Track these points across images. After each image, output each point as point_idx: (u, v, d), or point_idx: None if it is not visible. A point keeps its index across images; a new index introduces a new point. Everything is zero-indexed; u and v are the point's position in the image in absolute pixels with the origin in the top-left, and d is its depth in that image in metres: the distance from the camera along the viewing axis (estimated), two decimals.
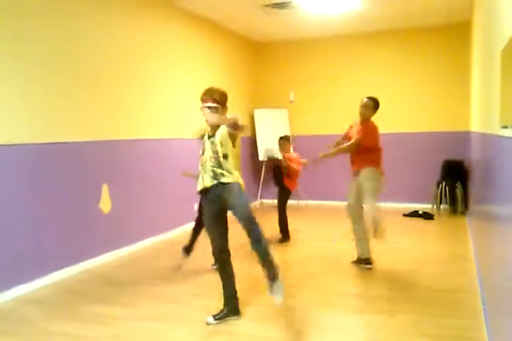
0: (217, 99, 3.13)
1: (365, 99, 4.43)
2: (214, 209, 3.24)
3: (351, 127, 4.61)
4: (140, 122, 5.32)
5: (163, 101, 5.75)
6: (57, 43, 4.16)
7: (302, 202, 7.95)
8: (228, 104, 3.21)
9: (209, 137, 3.22)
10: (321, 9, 6.25)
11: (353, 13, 6.52)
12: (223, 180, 3.16)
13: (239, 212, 3.13)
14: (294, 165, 5.50)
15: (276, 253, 5.02)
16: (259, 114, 8.09)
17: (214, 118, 3.11)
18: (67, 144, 4.28)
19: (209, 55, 6.84)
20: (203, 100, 3.16)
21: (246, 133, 8.05)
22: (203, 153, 3.24)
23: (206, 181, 3.19)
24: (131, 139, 5.13)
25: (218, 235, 3.26)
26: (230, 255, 3.32)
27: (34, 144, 3.94)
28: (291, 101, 8.28)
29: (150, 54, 5.48)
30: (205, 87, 3.31)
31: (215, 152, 3.16)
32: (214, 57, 6.99)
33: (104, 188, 4.73)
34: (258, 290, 3.81)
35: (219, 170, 3.15)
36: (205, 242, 4.41)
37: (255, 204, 8.12)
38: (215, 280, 4.09)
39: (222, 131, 3.14)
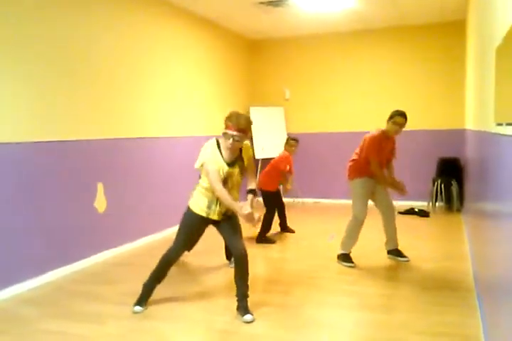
0: (243, 128, 3.08)
1: (404, 119, 4.31)
2: (205, 227, 3.35)
3: (378, 147, 4.33)
4: (136, 121, 5.31)
5: (160, 100, 5.73)
6: (54, 42, 4.14)
7: (298, 200, 7.96)
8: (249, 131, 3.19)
9: (230, 164, 3.17)
10: (316, 7, 6.25)
11: (348, 11, 6.52)
12: (231, 212, 3.31)
13: (238, 242, 3.25)
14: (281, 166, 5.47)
15: (273, 251, 5.05)
16: (255, 112, 8.09)
17: (239, 145, 3.14)
18: (61, 143, 4.26)
19: (205, 53, 6.83)
20: (228, 126, 3.08)
21: None
22: (226, 181, 3.18)
23: (214, 214, 3.24)
24: (126, 138, 5.12)
25: (191, 244, 3.35)
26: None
27: (29, 143, 3.92)
28: (287, 99, 8.28)
29: (146, 52, 5.46)
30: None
31: (242, 175, 3.29)
32: (210, 55, 6.98)
33: (100, 187, 4.72)
34: (252, 289, 3.81)
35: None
36: (205, 241, 4.41)
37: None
38: (211, 279, 4.10)
39: (250, 152, 3.28)
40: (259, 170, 7.97)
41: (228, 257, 4.51)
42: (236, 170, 3.21)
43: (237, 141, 3.08)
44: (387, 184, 4.40)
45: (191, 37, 6.48)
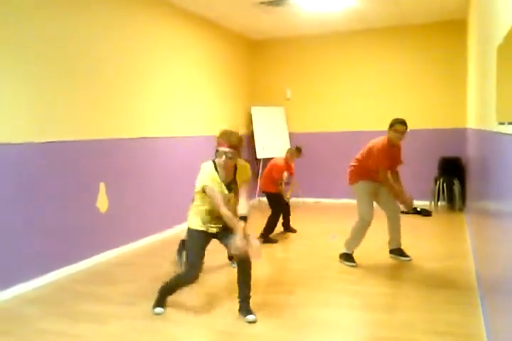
0: (235, 144, 3.11)
1: (404, 127, 4.38)
2: (208, 240, 3.30)
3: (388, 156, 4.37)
4: (137, 121, 5.31)
5: (160, 100, 5.74)
6: (54, 42, 4.14)
7: (299, 200, 7.96)
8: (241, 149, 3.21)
9: (228, 187, 3.19)
10: (317, 7, 6.24)
11: (349, 11, 6.52)
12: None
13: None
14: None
15: (275, 250, 5.05)
16: (256, 112, 8.09)
17: (231, 162, 3.14)
18: (64, 143, 4.27)
19: (205, 53, 6.83)
20: (220, 143, 3.12)
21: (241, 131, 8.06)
22: (228, 201, 3.19)
23: (213, 229, 3.24)
24: (128, 138, 5.13)
25: (201, 262, 3.25)
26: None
27: (31, 143, 3.93)
28: (288, 99, 8.28)
29: (147, 52, 5.47)
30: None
31: (237, 196, 3.25)
32: (210, 55, 6.98)
33: (102, 187, 4.72)
34: (254, 288, 3.81)
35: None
36: None
37: (253, 202, 8.13)
38: (214, 279, 4.10)
39: (248, 174, 3.26)
40: (260, 170, 7.98)
41: (230, 257, 4.51)
42: (232, 195, 3.25)
43: (230, 158, 3.09)
44: (394, 194, 4.40)
45: (192, 37, 6.48)
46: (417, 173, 7.48)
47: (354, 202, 4.54)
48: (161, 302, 3.36)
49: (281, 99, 8.31)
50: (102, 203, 4.74)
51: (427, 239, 5.36)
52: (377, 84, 7.76)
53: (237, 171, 3.25)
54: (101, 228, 4.71)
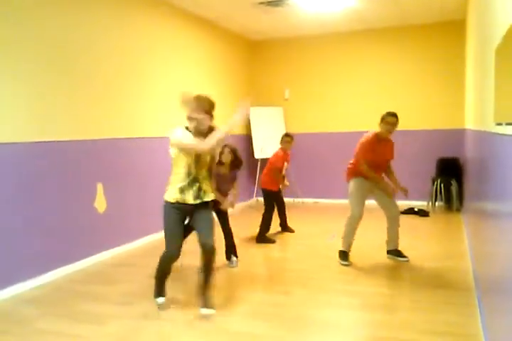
0: (206, 109, 3.13)
1: (395, 119, 4.44)
2: (183, 217, 3.33)
3: (372, 148, 4.38)
4: (135, 121, 5.31)
5: (159, 100, 5.74)
6: (53, 42, 4.14)
7: (298, 200, 7.97)
8: (214, 113, 3.22)
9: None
10: (316, 7, 6.25)
11: (348, 11, 6.53)
12: (207, 198, 3.31)
13: (208, 237, 3.25)
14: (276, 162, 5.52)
15: (273, 250, 5.05)
16: (255, 112, 8.09)
17: (203, 127, 3.17)
18: (61, 143, 4.27)
19: (204, 54, 6.83)
20: (192, 109, 3.14)
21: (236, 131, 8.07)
22: (198, 160, 3.21)
23: (189, 197, 3.23)
24: (126, 138, 5.12)
25: (179, 240, 3.31)
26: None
27: (28, 143, 3.93)
28: (287, 99, 8.29)
29: (146, 53, 5.47)
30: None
31: (212, 155, 3.31)
32: (209, 55, 6.98)
33: (99, 187, 4.72)
34: (253, 288, 3.82)
35: (206, 183, 3.28)
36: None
37: (251, 202, 8.13)
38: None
39: (222, 135, 3.19)
40: (258, 170, 7.98)
41: (228, 257, 4.51)
42: (207, 158, 3.27)
43: (201, 123, 3.13)
44: (380, 184, 4.44)
45: (191, 37, 6.48)
46: (415, 173, 7.50)
47: (347, 201, 4.57)
48: (159, 289, 3.43)
49: (280, 100, 8.32)
50: (100, 203, 4.73)
51: (424, 240, 5.37)
52: (375, 84, 7.77)
53: (211, 131, 3.24)
54: (99, 228, 4.71)
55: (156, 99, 5.68)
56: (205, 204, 3.32)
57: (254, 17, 6.76)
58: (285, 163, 5.60)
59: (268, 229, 5.45)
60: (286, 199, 5.85)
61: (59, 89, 4.24)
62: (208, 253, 3.22)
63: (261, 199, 5.60)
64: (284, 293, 3.72)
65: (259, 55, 8.45)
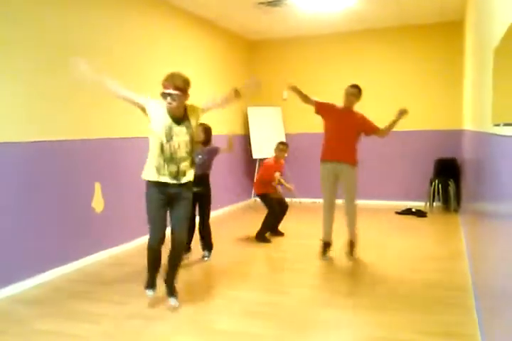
0: (179, 86, 3.09)
1: (352, 89, 4.47)
2: (164, 200, 3.24)
3: (330, 106, 4.58)
4: (133, 120, 5.29)
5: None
6: (51, 42, 4.13)
7: (296, 200, 7.97)
8: (190, 91, 3.20)
9: (177, 122, 3.17)
10: (315, 7, 6.25)
11: (347, 11, 6.53)
12: (185, 179, 3.23)
13: (180, 230, 3.27)
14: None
15: (272, 250, 5.05)
16: (253, 112, 8.09)
17: (176, 104, 3.12)
18: (59, 142, 4.26)
19: (204, 54, 6.83)
20: (165, 86, 3.13)
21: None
22: (169, 139, 3.13)
23: (165, 177, 3.17)
24: (124, 137, 5.11)
25: (161, 224, 3.26)
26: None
27: (26, 142, 3.92)
28: (285, 99, 8.28)
29: (145, 52, 5.46)
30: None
31: (192, 136, 3.23)
32: (209, 55, 6.98)
33: (97, 187, 4.71)
34: (250, 288, 3.82)
35: (185, 164, 3.19)
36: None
37: (249, 202, 8.12)
38: (205, 278, 4.10)
39: (199, 113, 3.28)
40: (256, 169, 7.99)
41: (203, 248, 4.59)
42: (183, 129, 3.18)
43: (174, 99, 3.09)
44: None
45: (190, 37, 6.48)
46: (412, 174, 7.52)
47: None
48: (148, 280, 3.42)
49: (278, 100, 8.31)
50: (98, 203, 4.72)
51: (421, 240, 5.38)
52: (374, 85, 7.76)
53: (188, 110, 3.25)
54: (97, 228, 4.70)
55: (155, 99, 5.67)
56: (185, 189, 3.25)
57: (254, 17, 6.76)
58: (277, 173, 5.46)
59: (268, 229, 5.46)
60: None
61: (56, 89, 4.22)
62: (178, 244, 3.27)
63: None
64: (283, 293, 3.72)
65: (258, 55, 8.45)
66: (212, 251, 4.68)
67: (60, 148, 4.27)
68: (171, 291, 3.36)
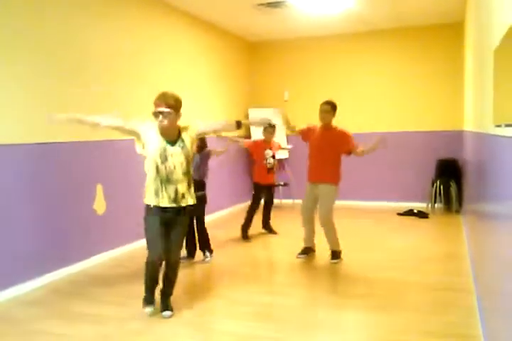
0: (171, 104, 3.08)
1: (324, 106, 4.52)
2: (162, 222, 3.19)
3: (309, 129, 4.66)
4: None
5: None
6: (50, 44, 4.14)
7: (294, 201, 7.95)
8: (181, 111, 3.19)
9: (171, 143, 3.14)
10: (315, 9, 6.26)
11: (347, 13, 6.53)
12: (185, 203, 3.20)
13: (174, 252, 3.29)
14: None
15: (273, 252, 5.05)
16: (254, 114, 8.09)
17: (168, 122, 3.09)
18: (60, 144, 4.26)
19: (203, 55, 6.84)
20: (157, 105, 3.10)
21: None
22: (164, 160, 3.10)
23: (165, 200, 3.13)
24: (125, 139, 5.10)
25: (161, 247, 3.22)
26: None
27: (28, 144, 3.92)
28: (286, 101, 8.29)
29: (146, 54, 5.47)
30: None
31: (187, 157, 3.19)
32: (208, 56, 6.98)
33: (99, 189, 4.72)
34: (255, 291, 3.81)
35: (183, 185, 3.15)
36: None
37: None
38: (205, 279, 4.10)
39: (193, 135, 3.25)
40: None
41: (203, 252, 4.61)
42: (177, 150, 3.14)
43: (166, 117, 3.05)
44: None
45: (191, 39, 6.49)
46: (414, 175, 7.51)
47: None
48: (148, 298, 3.37)
49: (279, 101, 8.31)
50: (99, 205, 4.73)
51: (423, 241, 5.37)
52: (375, 86, 7.78)
53: (181, 131, 3.21)
54: (97, 229, 4.70)
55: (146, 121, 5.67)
56: (182, 214, 3.23)
57: (254, 18, 6.76)
58: (268, 151, 5.52)
59: (248, 224, 5.48)
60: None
61: (57, 90, 4.23)
62: (173, 264, 3.30)
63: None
64: (285, 295, 3.71)
65: (258, 57, 8.45)
66: (213, 253, 4.68)
67: (62, 150, 4.28)
68: (167, 307, 3.31)
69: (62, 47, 4.27)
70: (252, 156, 5.63)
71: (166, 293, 3.34)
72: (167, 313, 3.25)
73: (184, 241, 4.51)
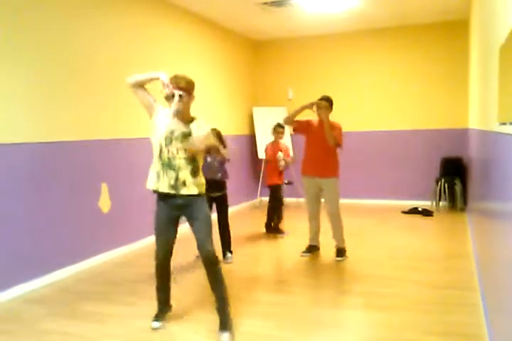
0: (183, 86, 2.96)
1: (323, 102, 4.49)
2: (169, 214, 3.03)
3: (308, 122, 4.64)
4: (139, 121, 5.31)
5: (163, 100, 5.74)
6: (54, 44, 4.15)
7: (301, 200, 7.95)
8: (194, 93, 3.05)
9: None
10: (319, 7, 6.25)
11: (351, 11, 6.52)
12: (186, 191, 2.93)
13: (204, 242, 2.94)
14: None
15: (277, 250, 5.05)
16: (258, 112, 8.09)
17: (184, 105, 2.93)
18: (66, 143, 4.28)
19: (208, 54, 6.84)
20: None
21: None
22: (169, 143, 2.91)
23: (164, 185, 2.93)
24: (130, 138, 5.13)
25: (165, 242, 3.06)
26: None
27: (33, 143, 3.94)
28: (290, 99, 8.28)
29: (149, 53, 5.48)
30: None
31: (190, 144, 2.91)
32: (213, 55, 6.99)
33: (104, 187, 4.73)
34: (255, 288, 3.82)
35: (184, 172, 2.92)
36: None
37: (255, 202, 8.13)
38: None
39: (204, 127, 2.98)
40: (262, 169, 7.99)
41: (224, 253, 4.59)
42: (180, 143, 2.91)
43: (181, 96, 2.91)
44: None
45: (194, 38, 6.49)
46: (418, 173, 7.49)
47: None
48: (157, 310, 3.15)
49: (283, 100, 8.31)
50: (104, 203, 4.74)
51: (428, 239, 5.36)
52: (379, 84, 7.76)
53: (194, 119, 3.02)
54: (103, 228, 4.72)
55: (161, 99, 5.68)
56: (192, 204, 2.98)
57: (258, 17, 6.76)
58: (279, 153, 5.62)
59: (271, 219, 5.71)
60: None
61: (62, 90, 4.25)
62: (207, 261, 2.93)
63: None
64: (285, 292, 3.72)
65: (262, 55, 8.45)
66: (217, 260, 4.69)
67: (67, 148, 4.29)
68: (224, 324, 2.92)
69: (65, 46, 4.28)
70: (269, 161, 5.74)
71: (218, 308, 2.96)
72: (224, 337, 2.86)
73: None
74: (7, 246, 3.71)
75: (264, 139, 7.93)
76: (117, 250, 4.90)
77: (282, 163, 5.62)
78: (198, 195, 2.99)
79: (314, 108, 4.46)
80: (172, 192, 2.94)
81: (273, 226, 5.74)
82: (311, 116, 4.59)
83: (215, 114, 7.00)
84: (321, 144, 4.50)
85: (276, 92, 8.36)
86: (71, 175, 4.34)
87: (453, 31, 7.22)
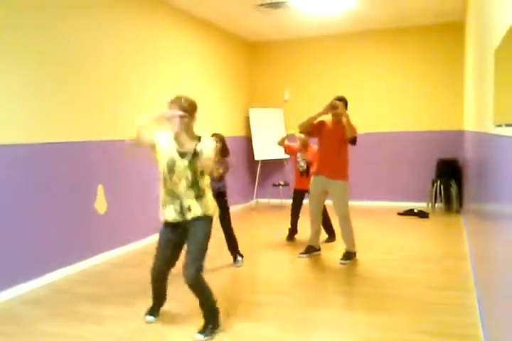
0: (185, 107, 2.96)
1: (338, 101, 4.48)
2: (174, 237, 3.12)
3: (320, 123, 4.59)
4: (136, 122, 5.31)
5: (160, 102, 5.74)
6: (53, 46, 4.15)
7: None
8: (196, 115, 3.04)
9: (181, 154, 2.96)
10: (315, 9, 6.27)
11: (348, 13, 6.55)
12: (191, 215, 2.99)
13: (189, 266, 2.93)
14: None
15: (273, 251, 5.05)
16: (255, 114, 8.10)
17: (181, 126, 2.94)
18: (62, 144, 4.27)
19: (204, 55, 6.85)
20: (171, 108, 3.01)
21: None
22: (171, 171, 2.96)
23: (171, 214, 3.05)
24: (126, 139, 5.12)
25: (162, 259, 3.12)
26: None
27: (29, 144, 3.94)
28: (286, 101, 8.30)
29: (147, 54, 5.48)
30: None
31: (195, 171, 2.95)
32: (209, 57, 6.99)
33: (100, 189, 4.73)
34: (252, 290, 3.82)
35: (189, 200, 2.97)
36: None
37: (251, 203, 8.13)
38: (211, 279, 4.10)
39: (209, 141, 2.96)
40: (258, 171, 8.01)
41: (234, 257, 4.53)
42: (185, 163, 2.94)
43: (182, 117, 2.92)
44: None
45: (191, 39, 6.50)
46: (414, 175, 7.52)
47: (352, 202, 4.65)
48: (151, 307, 3.22)
49: (280, 101, 8.33)
50: (101, 205, 4.74)
51: (424, 241, 5.38)
52: (375, 86, 7.79)
53: (200, 140, 2.97)
54: (99, 229, 4.72)
55: (157, 101, 5.68)
56: (194, 224, 3.01)
57: (254, 19, 6.77)
58: (299, 154, 5.40)
59: (293, 226, 5.53)
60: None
61: (59, 91, 4.24)
62: (186, 282, 2.93)
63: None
64: (283, 294, 3.72)
65: (259, 57, 8.46)
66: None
67: (64, 150, 4.29)
68: (203, 328, 2.96)
69: (62, 47, 4.28)
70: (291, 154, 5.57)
71: (203, 314, 3.01)
72: (196, 335, 2.92)
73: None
74: (4, 247, 3.70)
75: (260, 140, 7.95)
76: (114, 251, 4.89)
77: (302, 163, 5.38)
78: (203, 216, 3.02)
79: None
80: (179, 219, 3.03)
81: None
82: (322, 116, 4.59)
83: (212, 115, 7.00)
84: (333, 144, 4.50)
85: (272, 94, 8.37)
86: (68, 176, 4.33)
87: (449, 33, 7.25)
